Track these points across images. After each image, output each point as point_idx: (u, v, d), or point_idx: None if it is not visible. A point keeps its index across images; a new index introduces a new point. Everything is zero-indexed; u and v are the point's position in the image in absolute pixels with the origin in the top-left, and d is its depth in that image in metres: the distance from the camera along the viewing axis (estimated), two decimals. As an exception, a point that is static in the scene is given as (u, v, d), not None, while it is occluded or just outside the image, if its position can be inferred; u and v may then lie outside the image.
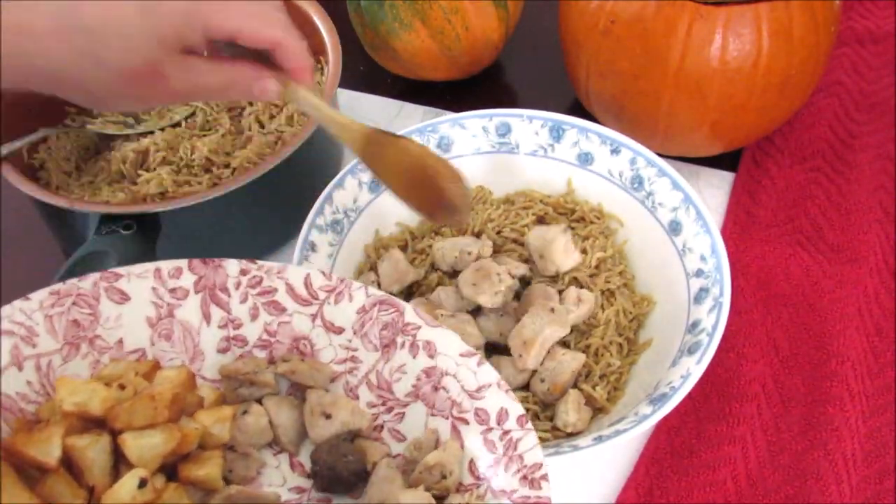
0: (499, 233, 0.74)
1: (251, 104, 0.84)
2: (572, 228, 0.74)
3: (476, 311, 0.68)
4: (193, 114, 0.82)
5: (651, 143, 0.76)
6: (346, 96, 0.94)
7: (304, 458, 0.58)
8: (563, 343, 0.67)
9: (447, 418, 0.56)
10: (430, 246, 0.72)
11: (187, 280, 0.59)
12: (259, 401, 0.58)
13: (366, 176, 0.74)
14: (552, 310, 0.65)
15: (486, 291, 0.66)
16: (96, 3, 0.50)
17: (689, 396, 0.63)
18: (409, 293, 0.71)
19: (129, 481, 0.47)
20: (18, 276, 0.81)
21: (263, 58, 0.57)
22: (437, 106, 0.93)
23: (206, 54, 0.56)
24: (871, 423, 0.67)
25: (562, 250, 0.69)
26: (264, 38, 0.55)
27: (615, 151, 0.75)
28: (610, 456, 0.67)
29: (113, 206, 0.72)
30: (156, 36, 0.51)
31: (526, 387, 0.66)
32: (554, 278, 0.70)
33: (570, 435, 0.63)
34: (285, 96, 0.57)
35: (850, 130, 0.88)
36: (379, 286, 0.70)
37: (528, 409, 0.63)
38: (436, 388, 0.57)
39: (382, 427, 0.58)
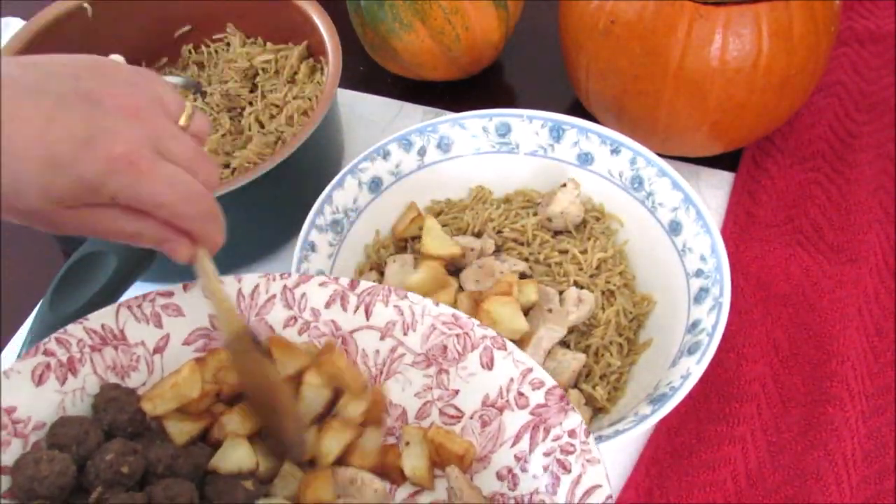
0: (499, 232, 0.74)
1: (251, 104, 0.85)
2: (570, 232, 0.74)
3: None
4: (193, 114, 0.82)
5: (651, 143, 0.76)
6: (346, 96, 0.94)
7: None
8: (563, 343, 0.67)
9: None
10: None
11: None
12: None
13: (366, 176, 0.74)
14: (549, 310, 0.65)
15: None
16: (9, 132, 0.43)
17: (689, 396, 0.63)
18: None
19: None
20: (18, 276, 0.81)
21: None
22: (437, 106, 0.93)
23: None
24: (871, 423, 0.67)
25: (569, 200, 0.72)
26: (176, 226, 0.50)
27: (615, 151, 0.75)
28: (610, 456, 0.67)
29: (113, 206, 0.72)
30: (50, 194, 0.45)
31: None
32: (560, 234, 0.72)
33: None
34: (196, 263, 0.54)
35: (850, 130, 0.88)
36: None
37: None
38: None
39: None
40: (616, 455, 0.67)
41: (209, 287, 0.56)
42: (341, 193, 0.72)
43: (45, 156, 0.44)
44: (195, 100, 0.85)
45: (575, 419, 0.52)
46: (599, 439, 0.59)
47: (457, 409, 0.57)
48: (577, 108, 0.88)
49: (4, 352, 0.75)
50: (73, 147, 0.45)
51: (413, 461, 0.55)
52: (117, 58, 0.79)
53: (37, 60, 0.47)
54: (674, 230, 0.71)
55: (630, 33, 0.75)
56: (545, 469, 0.52)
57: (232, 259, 0.79)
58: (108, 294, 0.63)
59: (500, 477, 0.54)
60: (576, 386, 0.66)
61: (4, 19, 0.95)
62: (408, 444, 0.56)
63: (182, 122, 0.52)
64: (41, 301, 0.61)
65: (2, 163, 0.44)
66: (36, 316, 0.60)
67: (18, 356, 0.53)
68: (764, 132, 0.83)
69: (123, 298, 0.57)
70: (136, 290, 0.66)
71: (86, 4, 0.83)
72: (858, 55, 0.95)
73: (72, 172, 0.45)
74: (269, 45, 0.89)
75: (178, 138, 0.50)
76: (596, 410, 0.66)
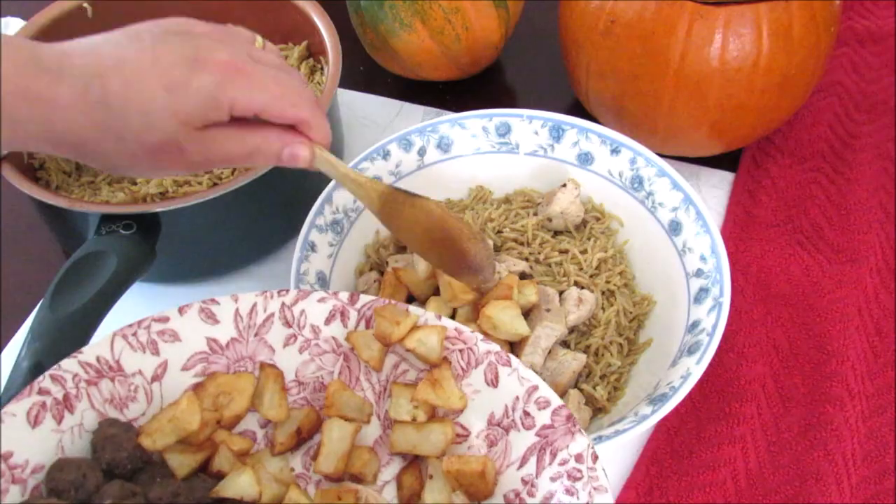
0: (499, 232, 0.74)
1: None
2: (570, 232, 0.74)
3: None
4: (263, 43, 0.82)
5: (651, 143, 0.76)
6: (347, 96, 0.94)
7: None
8: (564, 343, 0.67)
9: None
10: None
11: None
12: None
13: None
14: (548, 310, 0.65)
15: None
16: (122, 78, 0.50)
17: (689, 396, 0.63)
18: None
19: None
20: (18, 276, 0.81)
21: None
22: (437, 106, 0.93)
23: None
24: (871, 424, 0.67)
25: (569, 200, 0.72)
26: (290, 117, 0.54)
27: (615, 151, 0.75)
28: (610, 456, 0.67)
29: (113, 206, 0.72)
30: (179, 116, 0.51)
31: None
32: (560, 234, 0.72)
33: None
34: (317, 160, 0.57)
35: (850, 130, 0.88)
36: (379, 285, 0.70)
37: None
38: None
39: None
40: (616, 455, 0.67)
41: (340, 172, 0.59)
42: (341, 193, 0.72)
43: (165, 82, 0.50)
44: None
45: (582, 443, 0.51)
46: (599, 439, 0.59)
47: (462, 427, 0.56)
48: (577, 108, 0.88)
49: (4, 352, 0.75)
50: (184, 67, 0.50)
51: (435, 496, 0.54)
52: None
53: (110, 34, 0.53)
54: (674, 230, 0.71)
55: (630, 33, 0.75)
56: (552, 495, 0.51)
57: (232, 259, 0.79)
58: (108, 294, 0.62)
59: (507, 500, 0.53)
60: (576, 386, 0.66)
61: (4, 19, 0.95)
62: (431, 477, 0.55)
63: (259, 43, 0.57)
64: (41, 301, 0.61)
65: (131, 100, 0.49)
66: (36, 316, 0.60)
67: (7, 395, 0.53)
68: (764, 132, 0.83)
69: (118, 327, 0.55)
70: (136, 290, 0.67)
71: (86, 4, 0.83)
72: (858, 55, 0.95)
73: (191, 89, 0.50)
74: (268, 45, 0.89)
75: (263, 52, 0.56)
76: (596, 410, 0.66)
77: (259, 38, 0.58)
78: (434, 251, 0.61)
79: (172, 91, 0.50)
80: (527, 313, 0.66)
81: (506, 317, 0.63)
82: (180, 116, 0.51)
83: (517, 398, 0.54)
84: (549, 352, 0.65)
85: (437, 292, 0.67)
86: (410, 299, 0.69)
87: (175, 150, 0.52)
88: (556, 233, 0.75)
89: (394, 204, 0.59)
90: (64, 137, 0.51)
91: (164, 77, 0.50)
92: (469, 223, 0.58)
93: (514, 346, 0.65)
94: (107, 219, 0.68)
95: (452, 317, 0.66)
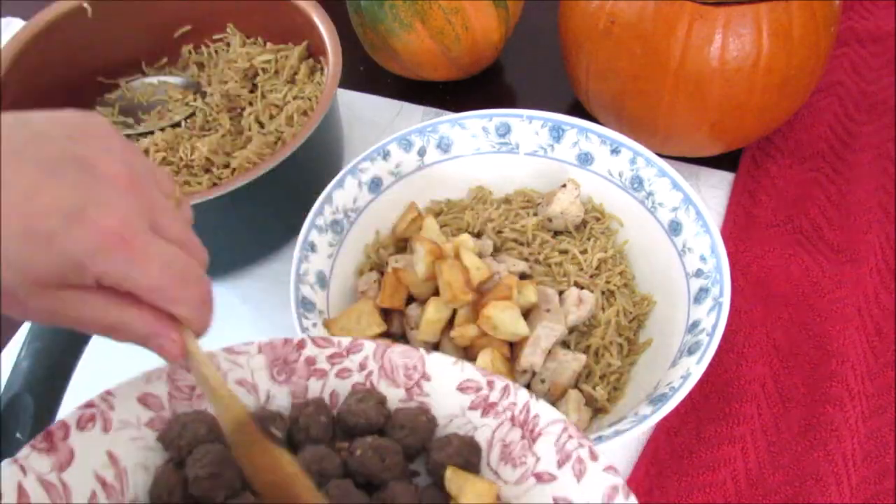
0: (499, 233, 0.74)
1: (251, 104, 0.85)
2: (570, 233, 0.74)
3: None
4: (193, 114, 0.82)
5: (651, 143, 0.76)
6: (346, 96, 0.94)
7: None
8: (564, 344, 0.67)
9: None
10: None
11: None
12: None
13: (366, 176, 0.74)
14: (548, 310, 0.65)
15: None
16: None
17: (689, 397, 0.63)
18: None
19: None
20: (18, 276, 0.81)
21: None
22: (437, 106, 0.93)
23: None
24: (871, 424, 0.67)
25: (569, 200, 0.72)
26: (167, 310, 0.45)
27: (615, 151, 0.75)
28: (610, 456, 0.67)
29: (113, 206, 0.72)
30: (28, 273, 0.40)
31: (526, 387, 0.66)
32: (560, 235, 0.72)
33: (570, 435, 0.63)
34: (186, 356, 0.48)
35: (850, 130, 0.88)
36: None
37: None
38: None
39: None
40: (616, 455, 0.67)
41: (201, 373, 0.48)
42: (341, 193, 0.72)
43: (26, 229, 0.39)
44: (195, 99, 0.85)
45: None
46: (599, 439, 0.59)
47: None
48: (577, 108, 0.88)
49: (4, 352, 0.75)
50: (59, 220, 0.40)
51: None
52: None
53: (28, 118, 0.42)
54: (674, 230, 0.71)
55: (630, 33, 0.75)
56: None
57: (232, 259, 0.79)
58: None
59: None
60: (576, 386, 0.66)
61: (4, 19, 0.95)
62: None
63: (176, 197, 0.47)
64: (41, 301, 0.61)
65: None
66: (36, 316, 0.60)
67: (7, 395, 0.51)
68: (764, 132, 0.83)
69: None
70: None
71: (86, 4, 0.83)
72: (858, 55, 0.95)
73: (56, 249, 0.40)
74: (269, 45, 0.89)
75: (171, 215, 0.45)
76: (596, 411, 0.66)
77: (177, 190, 0.48)
78: (269, 494, 0.48)
79: (31, 243, 0.40)
80: (526, 313, 0.66)
81: (506, 317, 0.63)
82: (29, 274, 0.40)
83: None
84: (549, 352, 0.65)
85: (436, 292, 0.67)
86: (410, 300, 0.69)
87: (13, 302, 0.42)
88: (556, 233, 0.75)
89: (247, 435, 0.48)
90: None
91: (30, 223, 0.39)
92: (318, 495, 0.48)
93: (514, 346, 0.65)
94: (107, 219, 0.68)
95: (452, 317, 0.66)
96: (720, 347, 0.63)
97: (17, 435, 0.54)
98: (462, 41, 0.86)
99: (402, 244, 0.75)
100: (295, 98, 0.83)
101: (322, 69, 0.85)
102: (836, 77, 0.93)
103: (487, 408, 0.52)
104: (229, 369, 0.52)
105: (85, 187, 0.41)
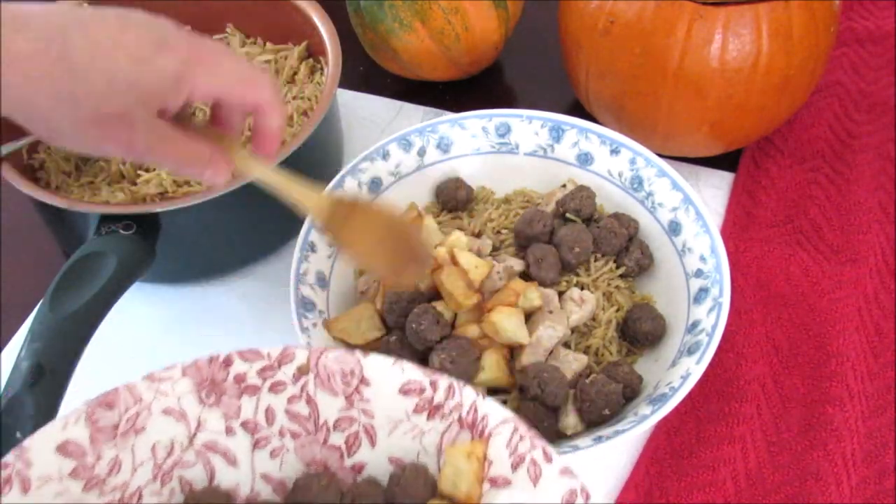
0: (498, 233, 0.74)
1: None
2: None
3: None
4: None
5: (651, 143, 0.76)
6: (346, 96, 0.94)
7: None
8: (565, 344, 0.67)
9: None
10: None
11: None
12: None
13: (365, 176, 0.74)
14: (550, 311, 0.65)
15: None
16: (87, 39, 0.47)
17: (689, 397, 0.63)
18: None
19: None
20: (18, 276, 0.81)
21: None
22: (437, 106, 0.93)
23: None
24: (871, 424, 0.67)
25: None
26: (249, 101, 0.54)
27: (615, 151, 0.75)
28: (610, 456, 0.67)
29: (112, 206, 0.72)
30: (140, 90, 0.49)
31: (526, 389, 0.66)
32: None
33: (571, 436, 0.63)
34: (238, 168, 0.56)
35: (849, 130, 0.88)
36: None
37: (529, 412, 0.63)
38: None
39: None
40: (616, 455, 0.67)
41: (270, 180, 0.57)
42: (341, 194, 0.72)
43: (130, 53, 0.48)
44: (195, 100, 0.85)
45: None
46: (599, 439, 0.59)
47: None
48: (577, 108, 0.88)
49: (4, 352, 0.75)
50: (150, 46, 0.49)
51: None
52: None
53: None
54: (673, 230, 0.71)
55: (630, 33, 0.75)
56: None
57: (232, 259, 0.79)
58: (108, 294, 0.63)
59: None
60: (576, 387, 0.66)
61: (4, 19, 0.95)
62: None
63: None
64: (41, 301, 0.61)
65: (96, 63, 0.47)
66: (36, 316, 0.60)
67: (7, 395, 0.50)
68: (764, 132, 0.83)
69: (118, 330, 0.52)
70: (136, 290, 0.67)
71: (86, 4, 0.83)
72: (858, 55, 0.95)
73: (156, 65, 0.49)
74: (268, 45, 0.89)
75: (226, 46, 0.55)
76: (596, 410, 0.66)
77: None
78: (383, 255, 0.58)
79: (138, 63, 0.48)
80: (528, 314, 0.66)
81: (510, 324, 0.63)
82: (141, 91, 0.49)
83: None
84: (551, 352, 0.65)
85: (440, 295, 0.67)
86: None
87: (126, 127, 0.50)
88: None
89: (340, 213, 0.57)
90: (10, 93, 0.47)
91: (130, 49, 0.48)
92: (407, 218, 0.57)
93: (514, 348, 0.65)
94: (106, 219, 0.68)
95: (453, 322, 0.66)
96: (720, 347, 0.63)
97: (18, 435, 0.54)
98: (462, 41, 0.86)
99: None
100: (295, 98, 0.83)
101: (322, 69, 0.85)
102: (836, 77, 0.93)
103: (433, 410, 0.50)
104: (153, 399, 0.49)
105: (157, 27, 0.50)
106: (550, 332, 0.64)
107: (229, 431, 0.51)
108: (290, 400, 0.51)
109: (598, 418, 0.62)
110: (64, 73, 0.47)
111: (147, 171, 0.76)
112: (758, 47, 0.73)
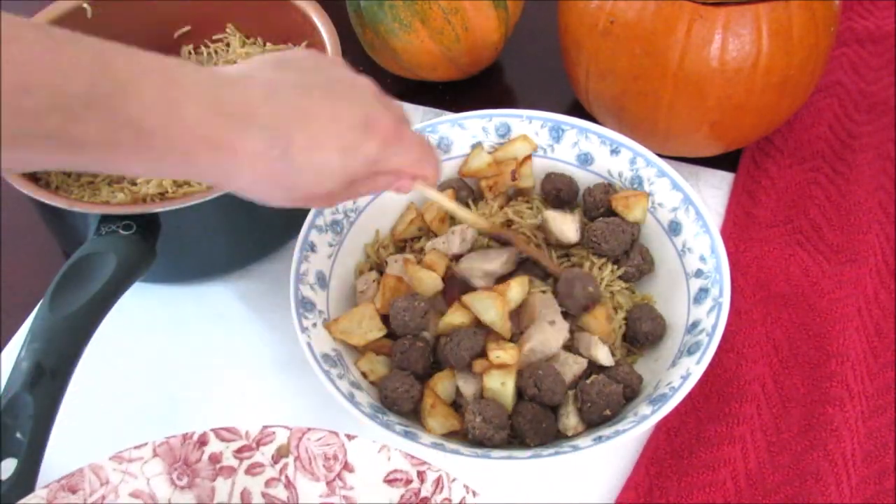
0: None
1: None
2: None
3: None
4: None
5: (651, 143, 0.76)
6: (346, 96, 0.94)
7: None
8: (565, 347, 0.67)
9: None
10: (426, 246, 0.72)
11: None
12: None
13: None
14: (552, 322, 0.65)
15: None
16: (307, 135, 0.50)
17: (689, 397, 0.63)
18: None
19: None
20: (18, 276, 0.81)
21: None
22: (436, 106, 0.93)
23: None
24: (871, 424, 0.67)
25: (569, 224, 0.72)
26: (419, 175, 0.59)
27: (615, 152, 0.75)
28: (610, 456, 0.67)
29: (113, 206, 0.72)
30: (346, 177, 0.52)
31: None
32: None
33: (571, 436, 0.63)
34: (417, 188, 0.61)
35: (849, 130, 0.88)
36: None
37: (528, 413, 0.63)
38: None
39: None
40: (616, 455, 0.67)
41: (441, 206, 0.67)
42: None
43: (342, 143, 0.51)
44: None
45: None
46: (599, 439, 0.59)
47: None
48: (577, 108, 0.88)
49: (4, 352, 0.75)
50: (359, 131, 0.52)
51: None
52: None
53: (279, 58, 0.53)
54: (673, 230, 0.71)
55: (630, 33, 0.75)
56: None
57: (232, 259, 0.79)
58: (108, 294, 0.62)
59: None
60: (576, 388, 0.66)
61: (4, 19, 0.95)
62: None
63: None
64: (41, 301, 0.61)
65: (313, 159, 0.50)
66: (35, 316, 0.60)
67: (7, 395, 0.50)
68: (764, 132, 0.83)
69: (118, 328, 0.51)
70: (136, 290, 0.67)
71: (86, 4, 0.83)
72: (858, 55, 0.95)
73: (361, 153, 0.52)
74: (268, 45, 0.89)
75: (395, 104, 0.58)
76: (596, 411, 0.66)
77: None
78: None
79: (346, 154, 0.51)
80: (519, 308, 0.66)
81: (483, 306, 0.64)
82: (346, 177, 0.53)
83: None
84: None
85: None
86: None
87: (327, 198, 0.55)
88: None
89: (500, 233, 0.70)
90: (234, 184, 0.51)
91: (342, 139, 0.51)
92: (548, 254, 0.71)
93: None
94: (106, 219, 0.68)
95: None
96: (720, 347, 0.63)
97: (17, 435, 0.55)
98: (462, 41, 0.86)
99: (401, 244, 0.75)
100: (295, 98, 0.83)
101: (322, 69, 0.85)
102: (836, 77, 0.93)
103: None
104: (120, 481, 0.47)
105: (361, 103, 0.53)
106: (545, 347, 0.64)
107: None
108: (268, 483, 0.49)
109: (598, 419, 0.62)
110: (283, 168, 0.50)
111: (147, 171, 0.76)
112: (758, 47, 0.73)
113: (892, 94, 0.91)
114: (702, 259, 0.68)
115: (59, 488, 0.46)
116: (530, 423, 0.62)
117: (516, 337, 0.66)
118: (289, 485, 0.49)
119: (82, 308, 0.60)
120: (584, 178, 0.76)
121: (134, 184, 0.76)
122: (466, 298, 0.65)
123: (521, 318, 0.67)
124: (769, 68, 0.74)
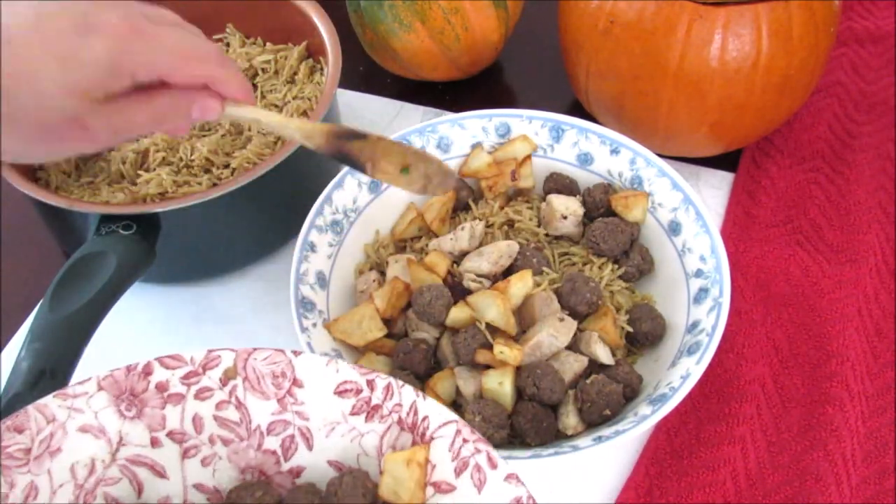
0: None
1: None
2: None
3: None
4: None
5: (651, 143, 0.76)
6: (346, 96, 0.94)
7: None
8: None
9: None
10: (426, 246, 0.72)
11: None
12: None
13: (365, 177, 0.74)
14: (561, 319, 0.65)
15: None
16: (9, 53, 0.43)
17: (689, 397, 0.63)
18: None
19: None
20: (18, 276, 0.81)
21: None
22: (436, 106, 0.93)
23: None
24: (871, 424, 0.67)
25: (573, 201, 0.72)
26: (199, 75, 0.50)
27: (615, 152, 0.75)
28: (610, 456, 0.67)
29: (113, 206, 0.72)
30: (77, 90, 0.45)
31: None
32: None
33: (571, 436, 0.63)
34: (226, 113, 0.52)
35: (849, 131, 0.88)
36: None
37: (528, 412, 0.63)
38: None
39: None
40: (616, 455, 0.67)
41: (257, 121, 0.53)
42: (341, 193, 0.72)
43: (55, 52, 0.44)
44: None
45: None
46: (599, 440, 0.59)
47: None
48: (577, 108, 0.88)
49: (4, 352, 0.75)
50: (73, 34, 0.44)
51: None
52: None
53: None
54: (673, 230, 0.71)
55: (630, 33, 0.75)
56: None
57: (232, 259, 0.79)
58: (108, 294, 0.62)
59: None
60: (576, 387, 0.66)
61: (4, 19, 0.95)
62: None
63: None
64: (41, 301, 0.61)
65: (21, 77, 0.43)
66: (35, 316, 0.60)
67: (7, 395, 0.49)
68: (763, 132, 0.83)
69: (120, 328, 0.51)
70: (137, 290, 0.67)
71: None
72: (858, 55, 0.95)
73: (85, 58, 0.45)
74: (268, 45, 0.89)
75: (156, 9, 0.49)
76: (596, 410, 0.66)
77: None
78: (408, 175, 0.57)
79: (66, 66, 0.44)
80: (525, 303, 0.66)
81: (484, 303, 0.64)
82: (78, 91, 0.45)
83: None
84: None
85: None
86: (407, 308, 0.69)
87: (77, 130, 0.47)
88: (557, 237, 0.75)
89: (337, 140, 0.54)
90: None
91: (53, 46, 0.44)
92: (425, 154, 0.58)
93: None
94: (106, 219, 0.68)
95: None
96: (720, 348, 0.63)
97: (17, 435, 0.54)
98: (462, 41, 0.86)
99: (401, 244, 0.75)
100: (295, 98, 0.83)
101: (322, 69, 0.85)
102: (836, 77, 0.93)
103: (371, 411, 0.48)
104: (67, 417, 0.46)
105: (76, 5, 0.45)
106: (553, 340, 0.64)
107: (155, 443, 0.48)
108: (219, 406, 0.49)
109: (598, 419, 0.62)
110: None
111: (147, 170, 0.76)
112: (758, 47, 0.73)
113: (892, 94, 0.91)
114: (702, 259, 0.68)
115: (4, 429, 0.45)
116: (530, 422, 0.62)
117: (519, 336, 0.66)
118: (240, 405, 0.48)
119: (82, 308, 0.60)
120: (584, 178, 0.76)
121: (134, 184, 0.76)
122: (470, 299, 0.65)
123: (522, 317, 0.67)
124: (769, 68, 0.74)
